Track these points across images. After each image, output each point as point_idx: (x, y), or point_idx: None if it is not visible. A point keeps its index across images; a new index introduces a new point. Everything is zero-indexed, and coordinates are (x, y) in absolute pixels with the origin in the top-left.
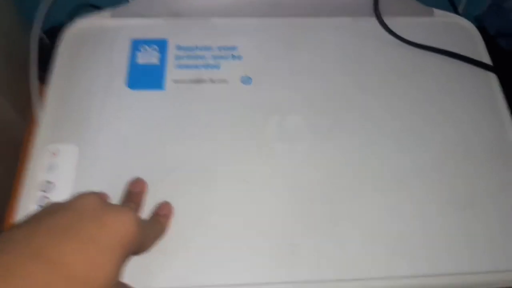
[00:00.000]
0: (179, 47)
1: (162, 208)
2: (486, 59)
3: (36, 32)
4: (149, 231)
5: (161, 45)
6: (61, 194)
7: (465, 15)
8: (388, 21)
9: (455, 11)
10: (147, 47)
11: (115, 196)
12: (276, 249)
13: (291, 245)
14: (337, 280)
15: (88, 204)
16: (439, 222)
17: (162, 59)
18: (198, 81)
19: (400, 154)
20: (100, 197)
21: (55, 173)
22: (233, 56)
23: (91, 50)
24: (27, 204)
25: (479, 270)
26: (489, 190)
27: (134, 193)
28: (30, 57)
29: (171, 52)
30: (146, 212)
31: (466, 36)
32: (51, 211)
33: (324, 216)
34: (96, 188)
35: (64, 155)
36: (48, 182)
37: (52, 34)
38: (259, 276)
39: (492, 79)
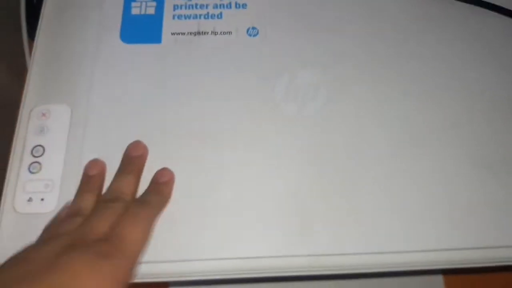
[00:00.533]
0: None
1: (162, 175)
2: None
3: None
4: (135, 236)
5: None
6: (53, 158)
7: None
8: None
9: None
10: None
11: (110, 159)
12: (288, 220)
13: (305, 215)
14: (353, 253)
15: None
16: (464, 190)
17: (159, 9)
18: (198, 33)
19: (422, 114)
20: (65, 241)
21: (46, 136)
22: (237, 4)
23: (81, 1)
24: (18, 170)
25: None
26: None
27: (134, 157)
28: (20, 13)
29: (169, 0)
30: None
31: None
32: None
33: (340, 184)
34: (90, 151)
35: (55, 117)
36: (39, 145)
37: None
38: (271, 248)
39: None
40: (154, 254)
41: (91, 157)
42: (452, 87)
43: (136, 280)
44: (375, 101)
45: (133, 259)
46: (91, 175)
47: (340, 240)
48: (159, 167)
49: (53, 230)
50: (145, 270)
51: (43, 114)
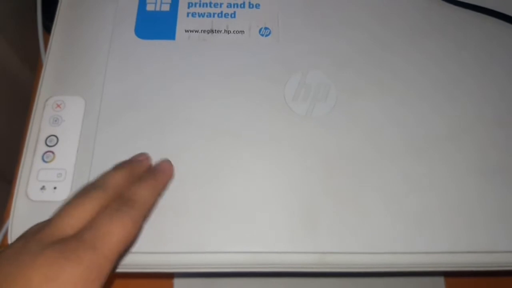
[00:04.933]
0: None
1: (161, 165)
2: None
3: None
4: (113, 232)
5: None
6: (66, 148)
7: None
8: None
9: None
10: None
11: (122, 152)
12: (295, 217)
13: (312, 213)
14: (358, 252)
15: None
16: (469, 194)
17: (173, 6)
18: (212, 31)
19: (430, 119)
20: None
21: (60, 126)
22: (250, 4)
23: None
24: (32, 158)
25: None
26: None
27: (134, 160)
28: (36, 4)
29: None
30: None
31: None
32: None
33: (347, 184)
34: (102, 142)
35: (70, 108)
36: (53, 135)
37: None
38: (277, 244)
39: None
40: (160, 245)
41: (103, 148)
42: (457, 94)
43: (141, 270)
44: (384, 105)
45: (107, 259)
46: (137, 160)
47: (345, 238)
48: (171, 158)
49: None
50: (150, 261)
51: (58, 105)
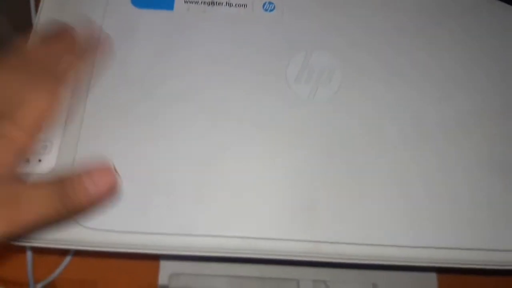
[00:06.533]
0: None
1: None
2: None
3: None
4: None
5: None
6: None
7: None
8: None
9: None
10: None
11: (113, 124)
12: (291, 202)
13: (309, 200)
14: (353, 243)
15: None
16: (469, 190)
17: None
18: (212, 3)
19: (435, 109)
20: None
21: None
22: None
23: None
24: None
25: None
26: None
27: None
28: None
29: None
30: None
31: None
32: None
33: (346, 172)
34: (91, 114)
35: None
36: None
37: None
38: (271, 230)
39: None
40: (148, 225)
41: (93, 121)
42: (467, 84)
43: (127, 250)
44: (389, 90)
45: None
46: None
47: (342, 228)
48: (163, 136)
49: None
50: (137, 241)
51: None
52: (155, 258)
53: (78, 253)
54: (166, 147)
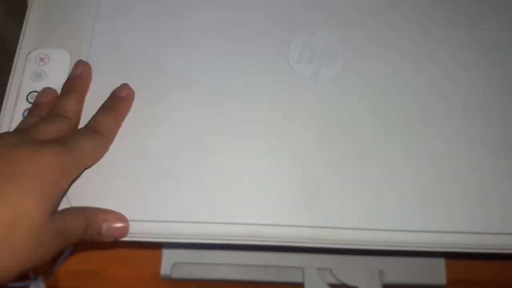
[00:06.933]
0: None
1: (120, 91)
2: None
3: None
4: (89, 148)
5: None
6: None
7: None
8: None
9: None
10: None
11: None
12: (290, 187)
13: (312, 184)
14: (355, 228)
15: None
16: (475, 174)
17: None
18: None
19: (439, 92)
20: (18, 136)
21: (43, 82)
22: None
23: None
24: (11, 116)
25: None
26: None
27: (72, 78)
28: None
29: None
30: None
31: None
32: None
33: (347, 156)
34: (89, 98)
35: (54, 62)
36: (35, 91)
37: None
38: (271, 216)
39: None
40: (149, 213)
41: (90, 104)
42: (471, 65)
43: (129, 238)
44: (395, 72)
45: (80, 161)
46: (73, 77)
47: (342, 213)
48: (162, 118)
49: None
50: (138, 229)
51: (41, 59)
52: (158, 247)
53: (79, 244)
54: (165, 132)
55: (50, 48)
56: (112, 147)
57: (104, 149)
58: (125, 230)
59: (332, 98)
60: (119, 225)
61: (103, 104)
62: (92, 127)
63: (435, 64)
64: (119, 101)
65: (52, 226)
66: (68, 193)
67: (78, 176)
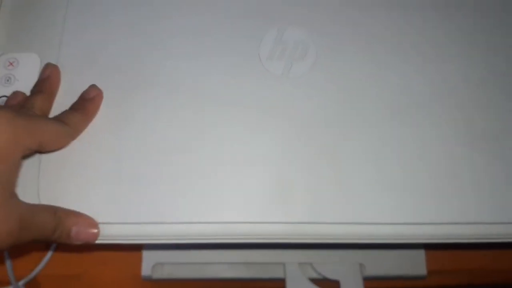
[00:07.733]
0: None
1: (88, 92)
2: None
3: None
4: (48, 125)
5: None
6: None
7: None
8: None
9: None
10: None
11: None
12: (268, 184)
13: (287, 180)
14: (332, 223)
15: None
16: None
17: None
18: None
19: (413, 82)
20: None
21: (13, 86)
22: None
23: None
24: None
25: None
26: None
27: (41, 80)
28: None
29: None
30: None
31: None
32: None
33: (323, 151)
34: (59, 103)
35: (23, 66)
36: (4, 96)
37: None
38: (248, 214)
39: None
40: (127, 215)
41: (60, 107)
42: (442, 55)
43: (108, 241)
44: (366, 65)
45: (37, 133)
46: (41, 79)
47: (321, 208)
48: (135, 119)
49: None
50: (117, 231)
51: (10, 63)
52: (138, 248)
53: (59, 248)
54: (136, 133)
55: (19, 51)
56: (84, 149)
57: (67, 138)
58: (94, 236)
59: (304, 94)
60: (89, 230)
61: (72, 104)
62: (59, 118)
63: (407, 56)
64: (87, 102)
65: (16, 206)
66: (40, 193)
67: (34, 152)
